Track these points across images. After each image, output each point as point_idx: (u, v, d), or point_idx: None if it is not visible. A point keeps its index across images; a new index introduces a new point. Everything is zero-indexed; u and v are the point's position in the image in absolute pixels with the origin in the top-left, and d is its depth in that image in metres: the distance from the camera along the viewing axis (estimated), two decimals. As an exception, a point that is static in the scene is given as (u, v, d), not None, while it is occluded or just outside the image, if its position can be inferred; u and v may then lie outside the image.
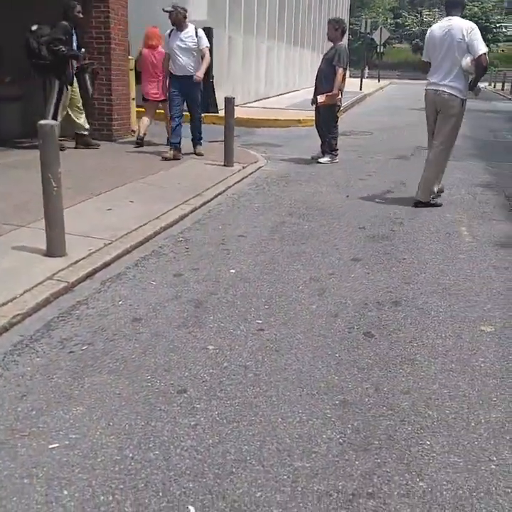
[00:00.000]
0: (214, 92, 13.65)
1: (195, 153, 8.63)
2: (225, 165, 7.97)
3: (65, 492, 2.11)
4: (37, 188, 4.43)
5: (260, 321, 3.52)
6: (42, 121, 4.04)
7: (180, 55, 8.05)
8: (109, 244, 4.57)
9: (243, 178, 7.56)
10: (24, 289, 3.61)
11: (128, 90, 9.99)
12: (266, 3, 19.27)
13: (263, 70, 19.69)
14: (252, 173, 7.96)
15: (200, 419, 2.55)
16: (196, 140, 8.72)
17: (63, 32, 8.13)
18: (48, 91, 8.20)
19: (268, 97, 19.82)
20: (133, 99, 10.20)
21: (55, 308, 3.58)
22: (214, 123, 12.66)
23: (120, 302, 3.72)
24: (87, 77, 8.85)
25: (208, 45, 8.31)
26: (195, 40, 8.09)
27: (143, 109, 9.41)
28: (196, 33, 8.14)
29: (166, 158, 8.08)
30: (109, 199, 5.89)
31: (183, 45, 8.05)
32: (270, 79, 20.67)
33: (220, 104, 12.34)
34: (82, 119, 8.75)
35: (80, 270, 4.04)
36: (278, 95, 21.10)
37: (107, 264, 4.27)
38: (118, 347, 3.14)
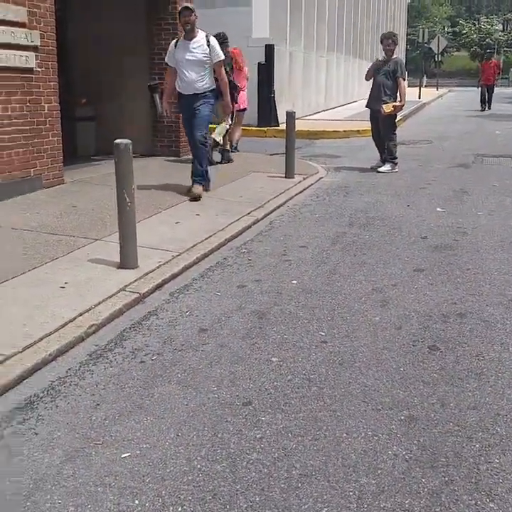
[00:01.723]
0: (275, 106, 13.81)
1: (188, 192, 6.67)
2: (286, 177, 8.05)
3: (136, 502, 2.18)
4: (111, 203, 4.63)
5: (323, 333, 3.56)
6: (117, 141, 4.23)
7: (188, 70, 6.58)
8: (177, 255, 4.72)
9: (304, 190, 7.61)
10: (99, 300, 3.78)
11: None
12: (325, 18, 19.37)
13: (323, 82, 19.79)
14: (312, 184, 8.01)
15: (266, 432, 2.60)
16: (194, 176, 6.80)
17: None
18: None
19: (328, 109, 19.88)
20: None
21: (127, 318, 3.73)
22: (274, 136, 12.81)
23: (187, 313, 3.83)
24: (157, 96, 9.22)
25: (223, 58, 6.79)
26: (207, 51, 6.56)
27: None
28: (208, 41, 6.59)
29: (194, 198, 6.58)
30: (177, 213, 6.06)
31: (192, 57, 6.56)
32: (330, 91, 20.74)
33: (281, 117, 12.50)
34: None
35: (150, 281, 4.19)
36: (337, 107, 21.14)
37: (175, 276, 4.41)
38: (185, 357, 3.24)
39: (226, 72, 8.74)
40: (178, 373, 3.08)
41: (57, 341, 3.27)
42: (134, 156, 4.32)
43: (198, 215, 6.00)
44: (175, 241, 5.05)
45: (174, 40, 6.83)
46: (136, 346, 3.37)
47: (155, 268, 4.41)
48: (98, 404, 2.78)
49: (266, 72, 13.60)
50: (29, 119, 6.60)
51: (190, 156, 9.79)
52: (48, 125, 6.91)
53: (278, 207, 6.65)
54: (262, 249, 5.20)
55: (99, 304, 3.75)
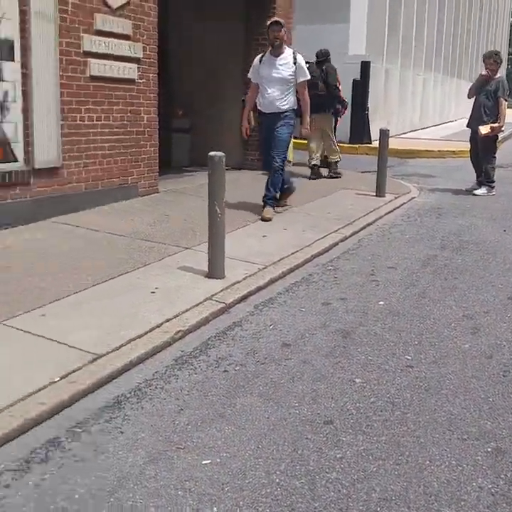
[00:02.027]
0: (368, 123, 13.71)
1: (261, 217, 6.35)
2: (376, 195, 7.95)
3: (215, 509, 2.20)
4: (201, 214, 4.75)
5: (409, 357, 3.48)
6: (211, 153, 4.34)
7: (271, 87, 6.29)
8: (264, 269, 4.76)
9: (395, 209, 7.49)
10: (186, 308, 3.87)
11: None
12: (423, 36, 19.08)
13: (419, 101, 19.47)
14: (403, 203, 7.87)
15: (346, 452, 2.57)
16: (266, 199, 6.49)
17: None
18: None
19: (423, 128, 19.50)
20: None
21: (213, 327, 3.80)
22: (366, 153, 12.70)
23: (271, 326, 3.85)
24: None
25: (308, 78, 6.45)
26: (293, 69, 6.25)
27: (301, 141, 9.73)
28: (295, 59, 6.30)
29: (265, 220, 6.30)
30: (264, 226, 6.13)
31: (277, 75, 6.27)
32: (425, 110, 20.36)
33: (374, 134, 12.38)
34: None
35: (236, 292, 4.25)
36: (433, 126, 20.69)
37: (260, 288, 4.45)
38: (268, 371, 3.26)
39: (333, 87, 9.08)
40: (260, 386, 3.09)
41: (145, 345, 3.37)
42: (226, 168, 4.41)
43: (285, 229, 6.03)
44: (261, 254, 5.11)
45: (259, 55, 6.50)
46: (220, 355, 3.42)
47: (241, 279, 4.47)
48: (182, 409, 2.84)
49: (361, 88, 13.54)
50: (129, 129, 6.89)
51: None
52: (146, 135, 7.19)
53: (367, 225, 6.58)
54: (349, 267, 5.15)
55: (187, 311, 3.84)
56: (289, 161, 10.31)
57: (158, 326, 3.58)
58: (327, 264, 5.21)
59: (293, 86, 6.33)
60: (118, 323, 3.57)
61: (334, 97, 9.27)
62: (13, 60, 5.49)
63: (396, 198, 8.03)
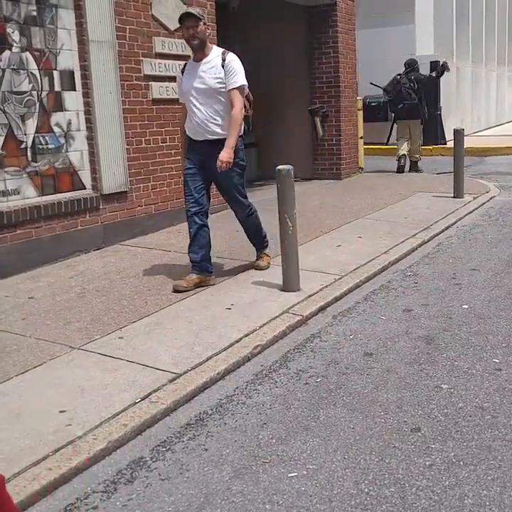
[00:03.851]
0: (442, 123, 13.39)
1: (254, 265, 5.00)
2: (454, 196, 7.72)
3: (304, 521, 2.18)
4: (273, 227, 4.75)
5: (497, 360, 3.32)
6: (279, 167, 4.34)
7: (197, 104, 4.44)
8: (340, 279, 4.69)
9: (474, 210, 7.24)
10: (263, 322, 3.86)
11: (356, 130, 10.26)
12: (494, 29, 18.49)
13: (493, 97, 18.87)
14: (483, 203, 7.59)
15: (436, 459, 2.47)
16: (257, 244, 5.06)
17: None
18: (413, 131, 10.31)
19: (500, 124, 18.83)
20: (361, 137, 10.43)
21: (291, 340, 3.76)
22: (441, 154, 12.39)
23: (351, 336, 3.77)
24: (318, 120, 9.46)
25: (244, 84, 4.49)
26: (221, 75, 4.39)
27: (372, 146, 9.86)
28: (223, 61, 4.41)
29: (177, 290, 4.46)
30: (338, 235, 6.06)
31: (201, 86, 4.43)
32: (501, 106, 19.69)
33: (448, 134, 12.07)
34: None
35: (313, 304, 4.20)
36: (510, 122, 19.93)
37: (337, 299, 4.38)
38: (351, 381, 3.19)
39: (422, 95, 9.46)
40: (343, 396, 3.03)
41: (225, 361, 3.38)
42: (294, 180, 4.39)
43: (360, 237, 5.94)
44: (337, 264, 5.04)
45: (182, 66, 4.76)
46: (301, 368, 3.38)
47: (317, 291, 4.42)
48: (265, 424, 2.82)
49: (432, 89, 13.24)
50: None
51: (350, 178, 9.93)
52: (212, 153, 7.27)
53: (446, 228, 6.38)
54: (429, 272, 5.00)
55: (264, 325, 3.83)
56: (361, 168, 10.33)
57: (236, 342, 3.59)
58: (406, 270, 5.07)
59: (228, 99, 4.44)
60: (196, 341, 3.60)
61: (425, 103, 10.30)
62: (74, 89, 5.70)
63: (475, 198, 7.75)
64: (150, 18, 6.34)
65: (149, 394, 3.00)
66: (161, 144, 6.57)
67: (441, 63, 11.25)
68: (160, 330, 3.78)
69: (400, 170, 10.27)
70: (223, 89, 4.41)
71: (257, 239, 5.02)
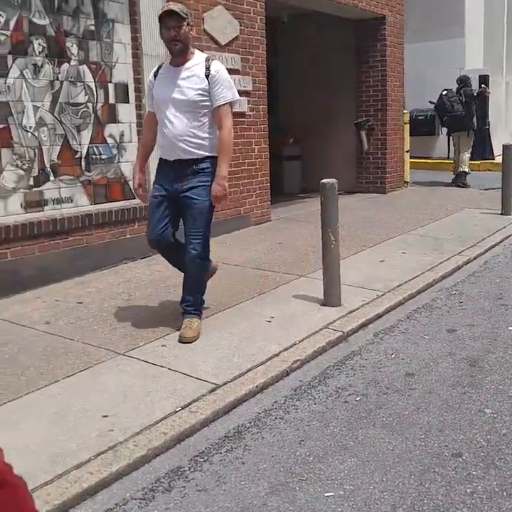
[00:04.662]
0: (490, 138, 13.18)
1: (179, 333, 3.82)
2: (502, 213, 7.59)
3: (340, 542, 2.16)
4: (314, 241, 4.73)
5: (545, 386, 3.23)
6: (324, 180, 4.33)
7: (171, 117, 3.73)
8: (382, 295, 4.64)
9: (523, 227, 7.08)
10: (303, 336, 3.84)
11: (402, 144, 10.18)
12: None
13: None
14: (532, 221, 7.42)
15: (477, 487, 2.40)
16: (185, 306, 3.93)
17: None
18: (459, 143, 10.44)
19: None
20: (407, 151, 10.34)
21: (331, 356, 3.73)
22: (489, 170, 12.16)
23: (392, 355, 3.73)
24: (363, 133, 9.45)
25: (236, 99, 3.85)
26: (204, 86, 3.70)
27: (418, 160, 9.81)
28: (207, 70, 3.72)
29: (186, 339, 3.76)
30: (381, 250, 6.00)
31: (180, 97, 3.71)
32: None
33: (497, 149, 11.86)
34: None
35: (354, 321, 4.16)
36: None
37: (379, 316, 4.33)
38: (391, 401, 3.14)
39: (471, 106, 9.48)
40: (383, 417, 2.99)
41: (264, 374, 3.37)
42: (338, 193, 4.37)
43: (404, 253, 5.87)
44: (379, 280, 4.99)
45: (155, 69, 3.97)
46: (340, 385, 3.35)
47: (359, 307, 4.38)
48: (303, 440, 2.80)
49: (480, 103, 13.05)
50: (240, 161, 7.07)
51: (395, 192, 9.84)
52: (257, 166, 7.34)
53: (493, 246, 6.25)
54: (475, 291, 4.90)
55: (304, 339, 3.81)
56: (406, 182, 10.28)
57: (275, 355, 3.58)
58: (451, 289, 4.99)
59: (209, 114, 3.75)
60: (236, 352, 3.61)
61: (472, 116, 10.37)
62: (127, 101, 5.83)
63: (524, 215, 7.59)
64: (202, 32, 6.43)
65: (189, 403, 3.02)
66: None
67: (480, 90, 11.41)
68: (201, 339, 3.80)
69: (454, 182, 10.47)
70: (205, 103, 3.71)
71: (193, 295, 3.90)
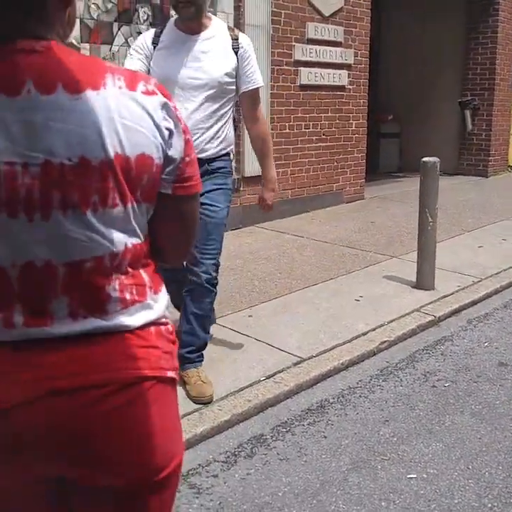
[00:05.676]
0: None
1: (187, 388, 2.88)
2: None
3: (421, 525, 2.12)
4: (409, 221, 4.61)
5: None
6: (425, 159, 4.18)
7: (186, 104, 2.70)
8: (478, 281, 4.47)
9: None
10: (392, 318, 3.77)
11: (509, 126, 9.71)
12: None
13: None
14: None
15: None
16: (187, 350, 2.89)
17: None
18: None
19: None
20: (513, 134, 9.85)
21: (420, 340, 3.64)
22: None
23: (486, 344, 3.59)
24: (468, 113, 9.05)
25: (261, 85, 2.96)
26: (232, 65, 2.79)
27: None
28: (235, 42, 2.81)
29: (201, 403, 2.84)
30: (480, 235, 5.77)
31: (200, 76, 2.74)
32: None
33: None
34: None
35: (447, 306, 4.03)
36: None
37: (474, 303, 4.18)
38: (481, 390, 3.04)
39: None
40: (472, 405, 2.89)
41: (349, 352, 3.34)
42: (438, 174, 4.22)
43: (504, 239, 5.61)
44: (476, 266, 4.80)
45: (150, 32, 2.89)
46: (428, 370, 3.26)
47: (453, 292, 4.24)
48: (387, 421, 2.76)
49: None
50: (336, 136, 6.95)
51: (498, 176, 9.38)
52: (353, 142, 7.19)
53: None
54: None
55: (393, 321, 3.74)
56: (511, 166, 9.77)
57: (363, 334, 3.54)
58: (552, 280, 4.73)
59: (232, 100, 2.90)
60: (322, 328, 3.59)
61: None
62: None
63: None
64: (305, 3, 6.34)
65: (274, 374, 3.05)
66: (304, 130, 6.59)
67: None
68: (288, 313, 3.82)
69: None
70: (230, 87, 2.81)
71: (198, 336, 2.92)
